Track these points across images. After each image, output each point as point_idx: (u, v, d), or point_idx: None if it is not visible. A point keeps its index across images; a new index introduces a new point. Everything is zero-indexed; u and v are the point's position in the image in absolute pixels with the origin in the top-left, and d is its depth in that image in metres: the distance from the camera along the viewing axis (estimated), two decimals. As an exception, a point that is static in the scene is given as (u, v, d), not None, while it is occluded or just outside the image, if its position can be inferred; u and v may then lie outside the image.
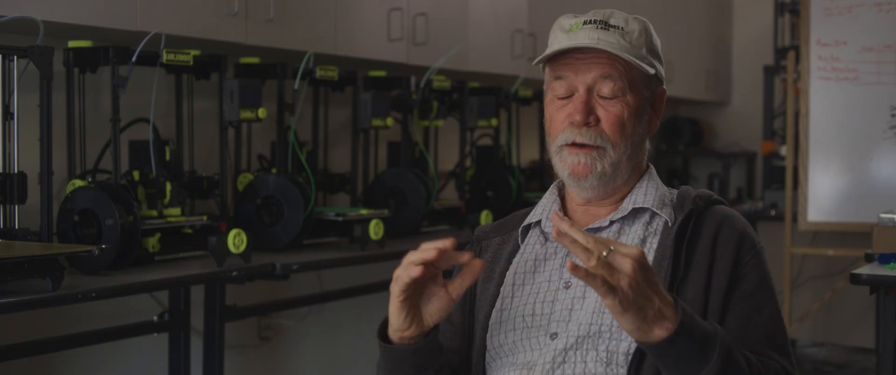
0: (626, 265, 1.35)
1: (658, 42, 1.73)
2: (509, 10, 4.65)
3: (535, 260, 1.72)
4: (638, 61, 1.64)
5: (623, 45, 1.65)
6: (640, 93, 1.67)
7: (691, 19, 6.63)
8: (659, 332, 1.40)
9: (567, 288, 1.65)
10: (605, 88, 1.64)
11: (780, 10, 6.29)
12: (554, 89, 1.69)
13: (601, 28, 1.65)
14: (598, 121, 1.65)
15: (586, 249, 1.35)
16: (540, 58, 1.69)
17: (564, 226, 1.37)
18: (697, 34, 6.73)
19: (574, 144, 1.65)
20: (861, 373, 5.67)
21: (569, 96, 1.67)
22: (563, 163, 1.67)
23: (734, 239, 1.63)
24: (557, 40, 1.68)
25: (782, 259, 5.25)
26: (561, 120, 1.67)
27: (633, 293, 1.36)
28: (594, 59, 1.65)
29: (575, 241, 1.36)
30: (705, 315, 1.58)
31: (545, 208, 1.77)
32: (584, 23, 1.67)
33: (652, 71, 1.67)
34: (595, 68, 1.64)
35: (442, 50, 4.17)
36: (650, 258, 1.63)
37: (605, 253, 1.35)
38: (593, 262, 1.34)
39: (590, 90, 1.65)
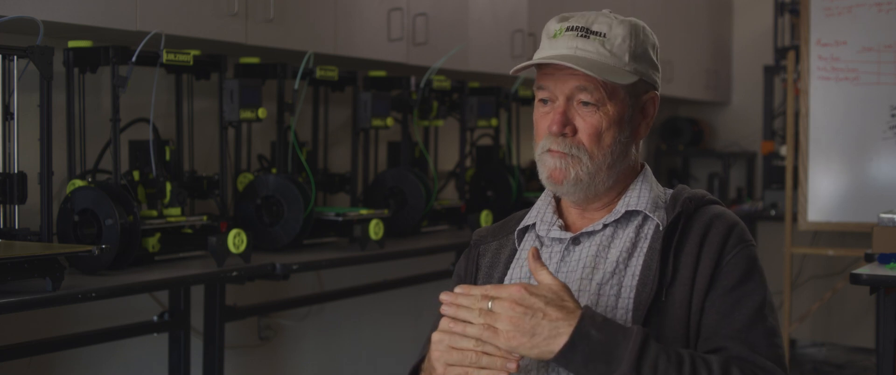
0: (504, 307, 1.47)
1: (651, 44, 1.70)
2: (509, 10, 4.65)
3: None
4: (610, 75, 1.62)
5: (601, 54, 1.64)
6: (621, 102, 1.66)
7: (691, 19, 6.63)
8: (558, 345, 1.46)
9: None
10: (583, 99, 1.65)
11: (780, 10, 6.29)
12: (538, 96, 1.71)
13: (582, 36, 1.65)
14: (575, 131, 1.65)
15: (470, 310, 1.50)
16: (515, 69, 1.70)
17: (447, 300, 1.52)
18: (697, 34, 6.73)
19: (552, 150, 1.67)
20: (861, 373, 5.67)
21: (551, 104, 1.68)
22: (543, 166, 1.69)
23: (720, 237, 1.62)
24: (541, 47, 1.70)
25: (782, 259, 5.25)
26: (543, 128, 1.68)
27: (514, 326, 1.47)
28: (572, 69, 1.64)
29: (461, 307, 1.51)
30: (689, 315, 1.58)
31: (540, 210, 1.78)
32: (567, 29, 1.66)
33: (632, 79, 1.65)
34: (572, 79, 1.64)
35: (442, 50, 4.17)
36: (640, 261, 1.64)
37: (489, 305, 1.48)
38: (475, 323, 1.49)
39: (569, 100, 1.65)
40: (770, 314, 1.60)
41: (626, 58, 1.65)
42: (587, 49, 1.64)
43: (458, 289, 1.52)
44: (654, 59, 1.71)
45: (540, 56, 1.67)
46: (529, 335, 1.46)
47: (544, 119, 1.68)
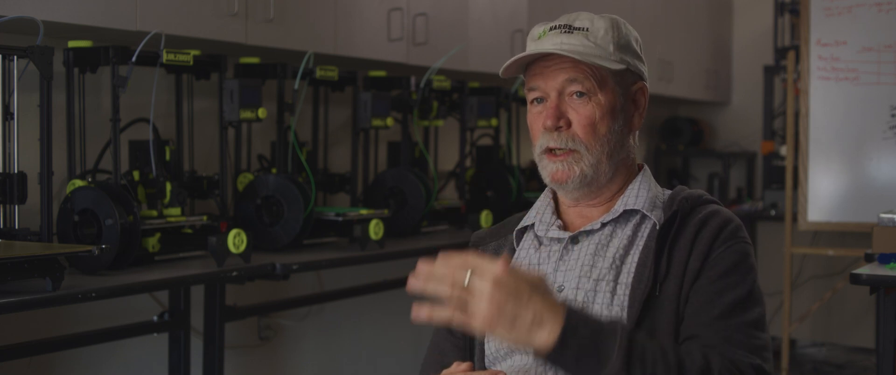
0: (484, 287, 1.37)
1: (633, 37, 1.73)
2: (509, 10, 4.65)
3: (530, 265, 1.74)
4: (597, 60, 1.65)
5: (587, 46, 1.67)
6: (612, 92, 1.68)
7: (691, 19, 6.62)
8: (541, 337, 1.39)
9: (560, 291, 1.66)
10: (574, 91, 1.67)
11: (780, 10, 6.29)
12: (530, 97, 1.73)
13: (565, 32, 1.68)
14: (569, 124, 1.67)
15: (447, 284, 1.38)
16: (504, 67, 1.72)
17: (420, 280, 1.40)
18: (697, 34, 6.73)
19: (550, 151, 1.68)
20: (861, 373, 5.67)
21: (543, 103, 1.70)
22: (544, 170, 1.71)
23: (713, 232, 1.63)
24: (527, 50, 1.72)
25: (782, 259, 5.25)
26: (538, 127, 1.70)
27: (494, 310, 1.37)
28: (559, 64, 1.67)
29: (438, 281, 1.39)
30: (678, 307, 1.59)
31: (539, 210, 1.79)
32: (550, 29, 1.70)
33: (619, 66, 1.68)
34: (561, 73, 1.67)
35: (442, 50, 4.17)
36: (635, 259, 1.64)
37: (465, 282, 1.37)
38: (450, 293, 1.38)
39: (560, 94, 1.68)
40: (753, 307, 1.59)
41: (611, 48, 1.68)
42: (572, 42, 1.67)
43: (422, 278, 1.41)
44: (638, 50, 1.75)
45: (518, 56, 1.70)
46: (510, 321, 1.37)
47: (538, 118, 1.70)
